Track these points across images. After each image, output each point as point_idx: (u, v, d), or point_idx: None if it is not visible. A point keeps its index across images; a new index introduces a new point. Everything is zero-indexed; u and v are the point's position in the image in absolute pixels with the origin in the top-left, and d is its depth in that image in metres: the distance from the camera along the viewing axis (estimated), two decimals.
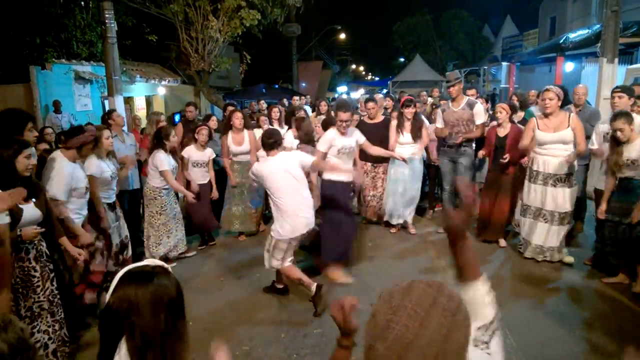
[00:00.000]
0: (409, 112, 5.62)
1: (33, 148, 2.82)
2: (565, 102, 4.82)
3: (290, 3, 12.33)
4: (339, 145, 4.56)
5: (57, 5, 9.99)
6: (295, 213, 3.80)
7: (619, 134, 3.90)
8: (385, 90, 20.76)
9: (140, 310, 1.18)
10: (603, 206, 4.15)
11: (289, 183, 3.81)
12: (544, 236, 4.69)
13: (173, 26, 11.44)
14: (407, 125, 5.64)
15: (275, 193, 3.81)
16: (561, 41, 11.43)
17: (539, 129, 4.61)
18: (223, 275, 4.75)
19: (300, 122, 5.46)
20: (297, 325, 3.66)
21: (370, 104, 5.91)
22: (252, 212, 5.81)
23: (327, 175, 4.61)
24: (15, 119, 3.12)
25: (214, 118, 6.32)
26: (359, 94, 24.19)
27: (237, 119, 5.68)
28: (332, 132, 4.60)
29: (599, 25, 9.44)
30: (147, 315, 1.18)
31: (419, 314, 0.85)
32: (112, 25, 7.71)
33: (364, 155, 5.95)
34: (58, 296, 3.02)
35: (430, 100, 8.34)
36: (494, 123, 5.42)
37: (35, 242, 2.84)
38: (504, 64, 15.67)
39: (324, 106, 7.59)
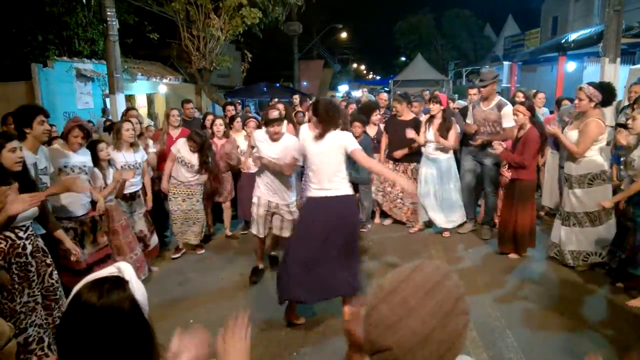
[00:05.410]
0: (434, 108, 5.31)
1: (15, 141, 2.74)
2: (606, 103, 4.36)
3: (291, 2, 12.33)
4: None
5: (59, 3, 9.98)
6: None
7: (630, 122, 3.79)
8: (387, 89, 20.74)
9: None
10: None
11: None
12: (580, 240, 4.40)
13: (174, 24, 11.46)
14: (436, 122, 5.35)
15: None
16: (563, 41, 11.39)
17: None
18: (223, 273, 4.76)
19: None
20: (297, 323, 3.66)
21: (396, 104, 5.78)
22: None
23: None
24: (24, 112, 3.19)
25: (209, 117, 6.30)
26: (360, 92, 24.16)
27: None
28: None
29: (601, 25, 9.40)
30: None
31: (426, 286, 0.88)
32: (114, 23, 7.72)
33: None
34: (59, 290, 3.00)
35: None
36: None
37: (32, 237, 2.83)
38: (506, 63, 15.59)
39: None
